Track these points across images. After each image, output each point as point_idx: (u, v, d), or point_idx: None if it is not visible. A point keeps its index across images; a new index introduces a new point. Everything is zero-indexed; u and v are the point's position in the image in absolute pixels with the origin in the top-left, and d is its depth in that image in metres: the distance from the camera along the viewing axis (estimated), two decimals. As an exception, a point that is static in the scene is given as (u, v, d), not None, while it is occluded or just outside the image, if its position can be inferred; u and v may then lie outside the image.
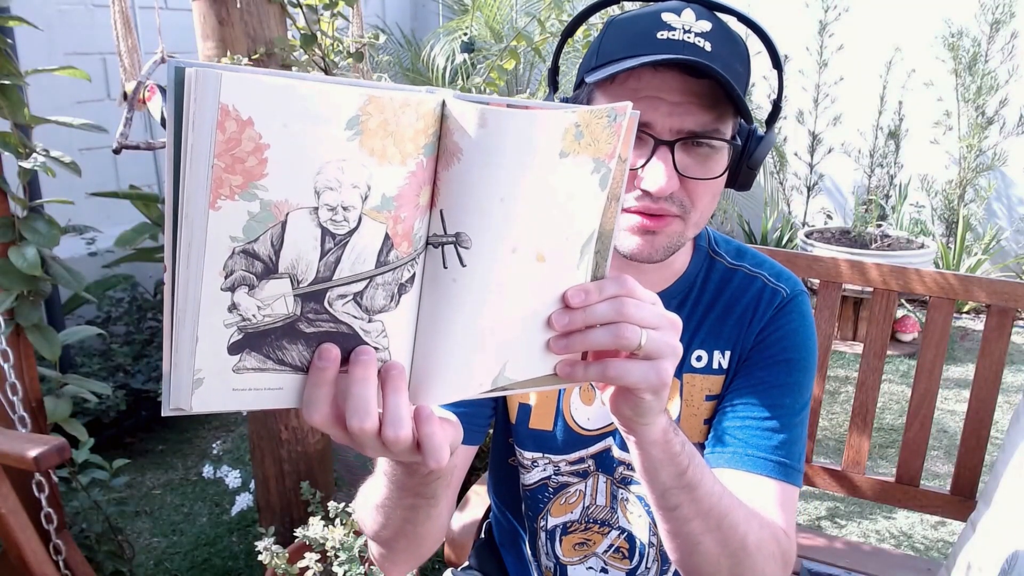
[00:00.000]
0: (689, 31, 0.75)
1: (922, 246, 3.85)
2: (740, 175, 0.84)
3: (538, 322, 0.55)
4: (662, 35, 0.75)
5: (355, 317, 0.48)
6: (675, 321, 0.60)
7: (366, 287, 0.48)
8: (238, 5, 1.30)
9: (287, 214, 0.43)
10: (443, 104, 0.46)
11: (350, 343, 0.49)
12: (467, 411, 0.99)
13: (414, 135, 0.45)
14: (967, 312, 4.28)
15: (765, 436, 0.86)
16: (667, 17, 0.76)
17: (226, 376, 0.46)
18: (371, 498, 0.76)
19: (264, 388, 0.48)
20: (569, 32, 0.90)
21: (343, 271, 0.46)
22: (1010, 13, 4.13)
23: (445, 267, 0.49)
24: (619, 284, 0.57)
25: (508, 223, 0.49)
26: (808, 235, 4.07)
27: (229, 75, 0.39)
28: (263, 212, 0.43)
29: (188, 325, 0.44)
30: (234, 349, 0.46)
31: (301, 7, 1.44)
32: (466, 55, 3.66)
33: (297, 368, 0.48)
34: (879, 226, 4.03)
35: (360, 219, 0.45)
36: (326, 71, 1.60)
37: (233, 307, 0.44)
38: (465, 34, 3.86)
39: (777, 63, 0.84)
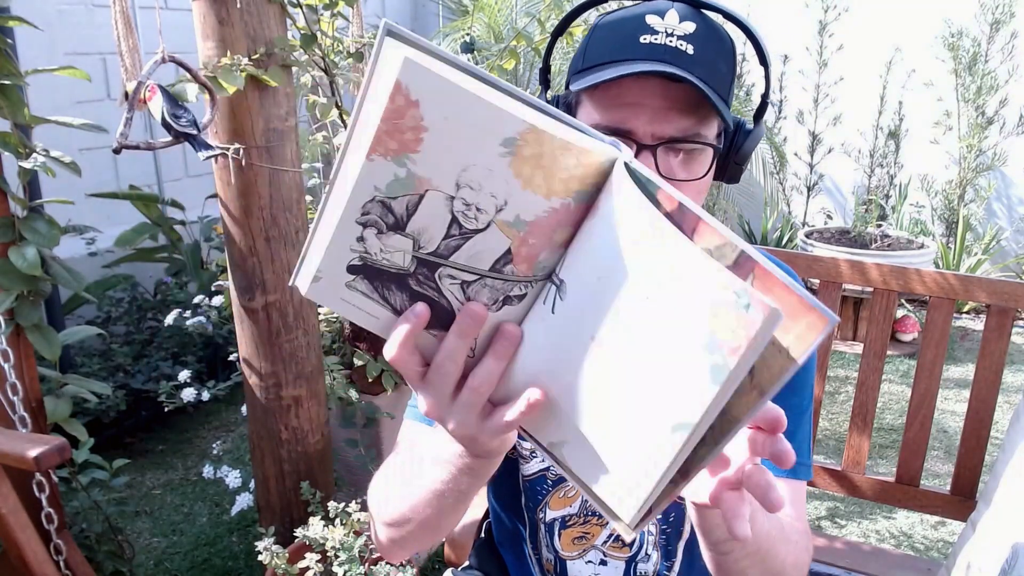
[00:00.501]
0: (672, 34, 0.76)
1: (922, 246, 3.85)
2: (728, 169, 0.86)
3: (614, 427, 0.49)
4: (645, 39, 0.76)
5: (457, 298, 0.52)
6: None
7: (475, 281, 0.51)
8: (238, 5, 1.30)
9: (426, 190, 0.47)
10: (614, 163, 0.47)
11: (445, 314, 0.52)
12: None
13: (567, 178, 0.46)
14: (967, 312, 4.28)
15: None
16: (651, 20, 0.77)
17: (339, 287, 0.52)
18: (400, 483, 0.75)
19: (364, 311, 0.53)
20: (559, 32, 0.90)
21: (459, 259, 0.50)
22: (1010, 13, 4.13)
23: (543, 304, 0.51)
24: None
25: (594, 306, 0.47)
26: (808, 235, 4.07)
27: (411, 58, 0.41)
28: (407, 179, 0.46)
29: (323, 233, 0.50)
30: (352, 270, 0.51)
31: (301, 7, 1.44)
32: (466, 55, 3.66)
33: (395, 310, 0.53)
34: (879, 226, 4.03)
35: (489, 224, 0.48)
36: (326, 71, 1.60)
37: (361, 239, 0.50)
38: (466, 34, 3.85)
39: (764, 61, 0.85)
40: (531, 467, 1.00)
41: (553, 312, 0.50)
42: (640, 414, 0.47)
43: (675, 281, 0.43)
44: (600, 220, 0.47)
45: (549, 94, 0.90)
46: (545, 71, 0.91)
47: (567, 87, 0.85)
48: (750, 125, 0.85)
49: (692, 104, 0.76)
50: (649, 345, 0.45)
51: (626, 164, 0.46)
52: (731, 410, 0.44)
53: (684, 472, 0.47)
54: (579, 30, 1.87)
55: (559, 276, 0.50)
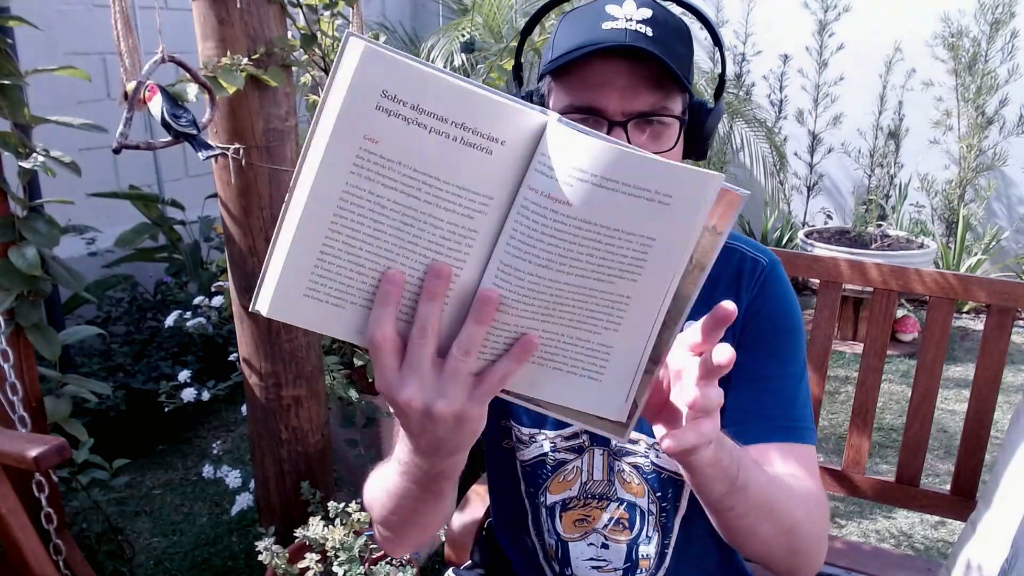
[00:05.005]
0: (631, 20, 0.83)
1: (922, 246, 3.85)
2: (695, 144, 0.93)
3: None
4: (607, 26, 0.83)
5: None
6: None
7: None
8: (238, 5, 1.30)
9: None
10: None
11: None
12: None
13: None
14: (967, 312, 4.28)
15: (781, 407, 0.92)
16: (610, 9, 0.84)
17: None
18: (382, 486, 0.78)
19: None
20: (527, 31, 0.96)
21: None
22: (1010, 13, 4.13)
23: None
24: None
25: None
26: (808, 235, 4.07)
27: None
28: None
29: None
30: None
31: (301, 7, 1.44)
32: (465, 55, 3.66)
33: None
34: (879, 226, 4.03)
35: None
36: (326, 71, 1.60)
37: None
38: (464, 35, 3.85)
39: (717, 41, 0.93)
40: (530, 452, 1.02)
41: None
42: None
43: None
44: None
45: (524, 90, 0.96)
46: (517, 69, 0.98)
47: (540, 79, 0.92)
48: (711, 104, 0.92)
49: (657, 80, 0.83)
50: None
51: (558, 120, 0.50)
52: (681, 290, 0.53)
53: (655, 359, 0.56)
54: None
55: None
